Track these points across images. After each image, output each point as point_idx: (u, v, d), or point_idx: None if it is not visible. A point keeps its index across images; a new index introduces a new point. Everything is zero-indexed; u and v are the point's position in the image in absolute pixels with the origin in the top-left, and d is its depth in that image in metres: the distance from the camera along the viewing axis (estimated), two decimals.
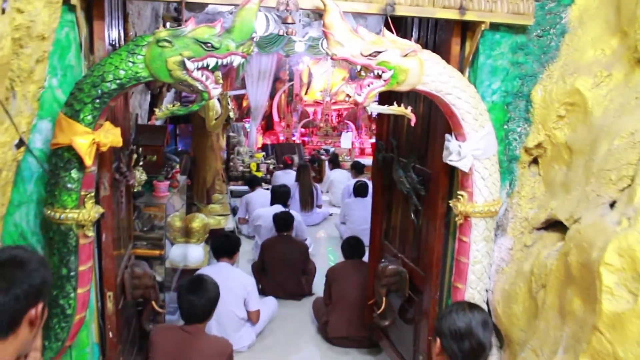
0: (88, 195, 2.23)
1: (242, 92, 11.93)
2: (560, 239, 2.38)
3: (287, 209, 5.88)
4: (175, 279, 4.70)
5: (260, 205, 6.59)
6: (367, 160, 12.03)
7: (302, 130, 13.00)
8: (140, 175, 3.54)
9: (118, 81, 2.07)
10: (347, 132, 12.21)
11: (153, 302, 3.08)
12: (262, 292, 5.05)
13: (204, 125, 5.67)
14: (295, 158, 10.75)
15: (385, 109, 2.35)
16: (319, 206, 7.75)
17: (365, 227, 6.63)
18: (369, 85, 2.27)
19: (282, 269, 4.93)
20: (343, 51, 2.17)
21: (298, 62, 12.91)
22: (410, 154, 3.10)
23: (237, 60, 2.09)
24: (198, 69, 2.08)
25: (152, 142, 3.82)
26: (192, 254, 4.71)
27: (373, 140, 13.34)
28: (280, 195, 6.05)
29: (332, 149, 11.41)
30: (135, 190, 3.50)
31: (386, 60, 2.21)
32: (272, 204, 6.07)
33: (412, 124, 2.39)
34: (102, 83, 2.06)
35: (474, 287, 2.61)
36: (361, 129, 13.28)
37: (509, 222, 2.71)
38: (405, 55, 2.23)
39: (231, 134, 10.52)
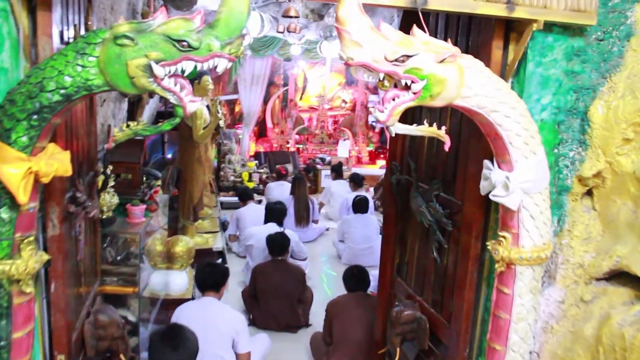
0: (26, 240, 1.69)
1: (234, 96, 11.42)
2: (634, 297, 1.87)
3: (282, 228, 5.36)
4: (155, 311, 4.15)
5: (252, 222, 6.07)
6: (365, 170, 11.55)
7: (297, 137, 12.50)
8: (110, 199, 3.00)
9: (62, 91, 1.54)
10: (344, 140, 11.70)
11: (122, 356, 2.54)
12: (253, 323, 4.54)
13: (191, 135, 5.12)
14: (290, 167, 10.23)
15: (413, 130, 1.83)
16: (315, 221, 7.22)
17: (366, 246, 6.14)
18: (393, 100, 1.76)
19: (275, 298, 4.40)
20: (362, 54, 1.66)
21: (293, 66, 12.43)
22: (433, 179, 2.58)
23: (222, 65, 1.57)
24: (170, 75, 1.56)
25: (126, 159, 3.27)
26: (174, 281, 4.18)
27: (370, 148, 12.87)
28: (275, 213, 5.52)
29: (328, 158, 10.89)
30: (104, 216, 2.97)
31: (417, 67, 1.70)
32: (266, 221, 5.54)
33: (446, 148, 1.88)
34: (41, 93, 1.54)
35: (517, 349, 2.09)
36: (358, 137, 12.80)
37: (558, 267, 2.20)
38: (442, 61, 1.72)
39: (222, 141, 10.01)
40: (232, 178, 9.10)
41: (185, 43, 1.51)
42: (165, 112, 6.51)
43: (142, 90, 1.56)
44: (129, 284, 3.17)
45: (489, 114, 1.83)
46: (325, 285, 5.71)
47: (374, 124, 13.22)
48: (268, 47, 10.17)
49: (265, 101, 12.12)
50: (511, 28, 2.09)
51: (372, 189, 9.58)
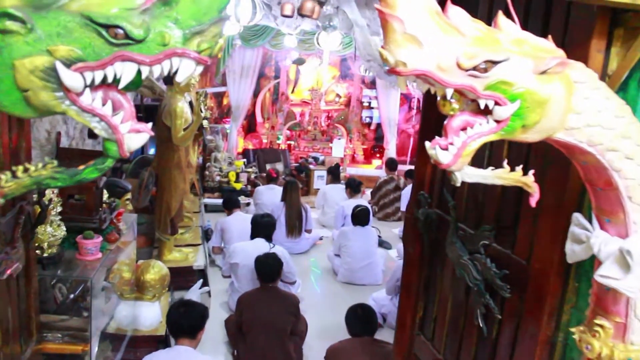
0: None
1: (222, 89, 10.70)
2: None
3: (271, 245, 4.70)
4: (121, 350, 3.47)
5: (239, 233, 5.40)
6: (360, 170, 10.92)
7: (288, 132, 11.81)
8: (54, 232, 2.31)
9: None
10: (339, 138, 11.04)
11: None
12: None
13: (170, 137, 4.44)
14: (280, 167, 9.58)
15: (489, 176, 1.18)
16: (308, 231, 6.56)
17: (366, 263, 5.48)
18: (464, 131, 1.10)
19: (264, 333, 3.74)
20: (422, 58, 1.00)
21: (285, 58, 11.74)
22: (481, 222, 1.94)
23: (186, 69, 0.91)
24: (95, 87, 0.89)
25: None
26: (144, 315, 3.51)
27: (365, 146, 12.23)
28: (263, 227, 4.84)
29: (322, 157, 10.21)
30: (46, 254, 2.29)
31: (507, 81, 1.05)
32: (252, 236, 4.87)
33: (533, 202, 1.23)
34: None
35: None
36: (352, 134, 12.15)
37: None
38: (544, 72, 1.07)
39: (208, 137, 9.32)
40: (218, 178, 8.41)
41: (120, 31, 0.85)
42: (142, 106, 5.76)
43: (43, 112, 0.89)
44: (78, 341, 2.48)
45: (604, 154, 1.19)
46: (320, 308, 5.05)
47: (368, 119, 12.59)
48: (259, 36, 9.49)
49: (255, 94, 11.42)
50: (616, 22, 1.44)
51: (368, 192, 8.95)
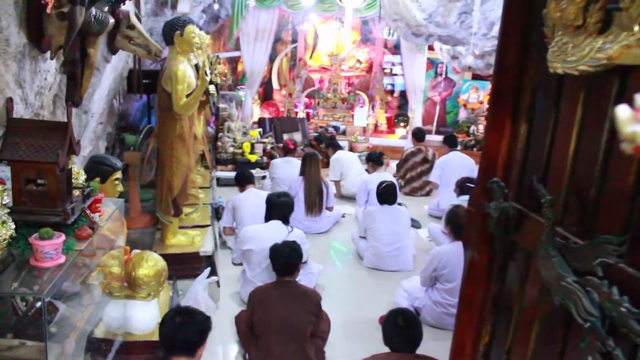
0: None
1: (236, 54, 10.02)
2: None
3: (288, 228, 4.11)
4: (111, 357, 2.95)
5: (252, 213, 4.84)
6: (383, 140, 10.23)
7: (306, 100, 11.12)
8: None
9: None
10: (361, 107, 10.32)
11: None
12: None
13: (171, 105, 3.83)
14: (298, 137, 8.95)
15: None
16: (329, 208, 5.96)
17: (395, 247, 4.86)
18: None
19: (280, 337, 3.18)
20: None
21: (303, 21, 10.97)
22: (591, 228, 1.30)
23: None
24: None
25: (35, 156, 1.91)
26: (137, 316, 2.96)
27: (389, 115, 11.50)
28: (279, 207, 4.24)
29: (343, 126, 9.52)
30: None
31: None
32: (267, 218, 4.28)
33: None
34: None
35: None
36: (375, 102, 11.41)
37: None
38: None
39: (221, 105, 8.71)
40: (231, 149, 7.82)
41: None
42: (139, 70, 5.12)
43: None
44: None
45: None
46: (344, 298, 4.48)
47: (390, 86, 11.80)
48: None
49: (272, 59, 10.72)
50: None
51: (393, 165, 8.30)
